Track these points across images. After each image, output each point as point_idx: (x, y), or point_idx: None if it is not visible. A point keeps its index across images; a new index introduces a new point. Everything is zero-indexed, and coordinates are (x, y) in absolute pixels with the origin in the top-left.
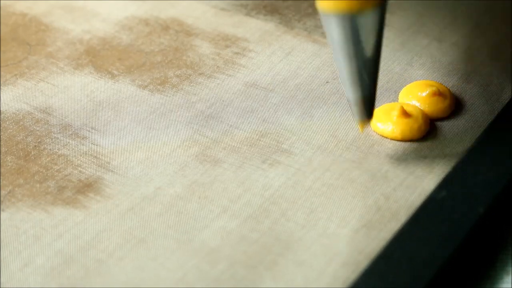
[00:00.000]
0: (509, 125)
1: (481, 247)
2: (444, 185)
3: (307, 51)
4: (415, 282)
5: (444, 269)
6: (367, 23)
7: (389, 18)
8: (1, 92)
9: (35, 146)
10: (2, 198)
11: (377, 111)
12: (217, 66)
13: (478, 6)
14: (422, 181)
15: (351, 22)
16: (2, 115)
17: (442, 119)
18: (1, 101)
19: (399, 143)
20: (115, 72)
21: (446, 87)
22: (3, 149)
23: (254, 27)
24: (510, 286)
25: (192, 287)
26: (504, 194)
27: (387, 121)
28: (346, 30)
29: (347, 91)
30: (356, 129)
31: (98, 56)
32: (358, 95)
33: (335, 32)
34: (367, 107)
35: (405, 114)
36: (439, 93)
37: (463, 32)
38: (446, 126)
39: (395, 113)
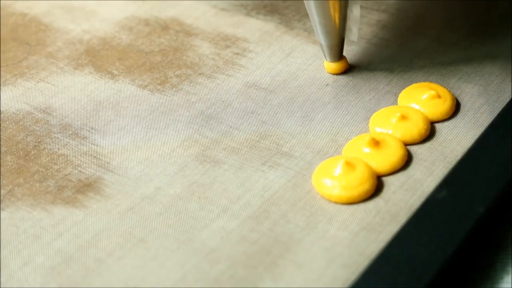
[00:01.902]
0: (509, 125)
1: (481, 247)
2: (444, 185)
3: (307, 52)
4: (415, 283)
5: (444, 270)
6: None
7: (388, 20)
8: (1, 92)
9: (35, 145)
10: (2, 197)
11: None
12: (217, 66)
13: (477, 6)
14: (422, 184)
15: None
16: (2, 115)
17: (442, 120)
18: (1, 101)
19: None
20: (115, 72)
21: (446, 88)
22: (3, 149)
23: (254, 27)
24: (510, 286)
25: (192, 287)
26: (504, 194)
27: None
28: None
29: (320, 37)
30: (356, 133)
31: (98, 56)
32: (328, 42)
33: None
34: (338, 50)
35: (404, 118)
36: (438, 96)
37: (462, 32)
38: (446, 127)
39: (395, 118)
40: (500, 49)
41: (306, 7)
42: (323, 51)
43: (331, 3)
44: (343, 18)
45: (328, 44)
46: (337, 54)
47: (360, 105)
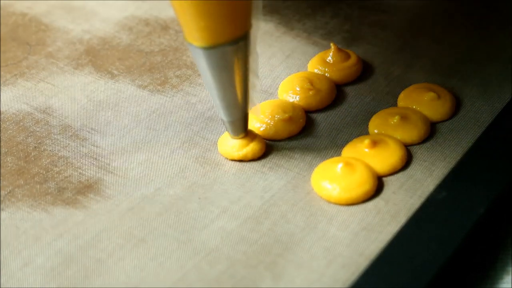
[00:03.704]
0: (509, 125)
1: (481, 247)
2: (444, 185)
3: (307, 53)
4: (415, 283)
5: (444, 270)
6: (229, 54)
7: (388, 20)
8: (1, 92)
9: (35, 147)
10: (2, 198)
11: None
12: None
13: (477, 6)
14: (422, 184)
15: (214, 54)
16: (2, 116)
17: (442, 121)
18: (1, 102)
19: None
20: (115, 72)
21: (446, 89)
22: (3, 150)
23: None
24: (510, 286)
25: (192, 287)
26: (504, 194)
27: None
28: (209, 60)
29: (220, 114)
30: (356, 135)
31: (98, 56)
32: (230, 118)
33: (200, 62)
34: (241, 126)
35: (404, 119)
36: (438, 97)
37: (462, 33)
38: (446, 128)
39: (394, 119)
40: (500, 50)
41: (203, 80)
42: (226, 128)
43: (231, 76)
44: (245, 91)
45: (230, 120)
46: (242, 128)
47: (360, 107)
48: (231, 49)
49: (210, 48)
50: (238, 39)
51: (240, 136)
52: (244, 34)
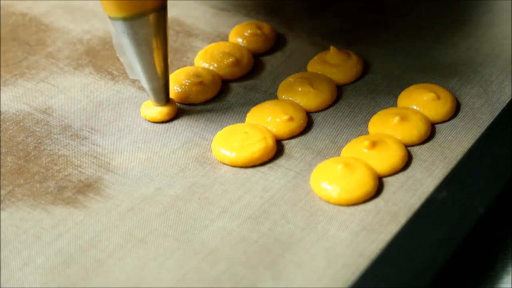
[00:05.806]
0: (509, 125)
1: (481, 247)
2: (444, 185)
3: (307, 53)
4: (415, 283)
5: (444, 270)
6: (145, 25)
7: (388, 20)
8: (1, 92)
9: (35, 146)
10: (2, 198)
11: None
12: None
13: (478, 6)
14: (422, 184)
15: (131, 25)
16: (2, 116)
17: (442, 121)
18: (1, 102)
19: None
20: (115, 72)
21: (446, 89)
22: (3, 150)
23: None
24: (510, 286)
25: (192, 287)
26: (504, 194)
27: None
28: (129, 31)
29: (142, 82)
30: (356, 135)
31: (98, 56)
32: (151, 86)
33: (121, 34)
34: (163, 94)
35: (404, 119)
36: (438, 97)
37: (462, 33)
38: (446, 128)
39: (394, 119)
40: (500, 50)
41: (126, 51)
42: (149, 96)
43: (150, 47)
44: (165, 61)
45: (152, 87)
46: (163, 96)
47: (360, 107)
48: (149, 19)
49: (129, 19)
50: (156, 9)
51: (161, 104)
52: (161, 5)
